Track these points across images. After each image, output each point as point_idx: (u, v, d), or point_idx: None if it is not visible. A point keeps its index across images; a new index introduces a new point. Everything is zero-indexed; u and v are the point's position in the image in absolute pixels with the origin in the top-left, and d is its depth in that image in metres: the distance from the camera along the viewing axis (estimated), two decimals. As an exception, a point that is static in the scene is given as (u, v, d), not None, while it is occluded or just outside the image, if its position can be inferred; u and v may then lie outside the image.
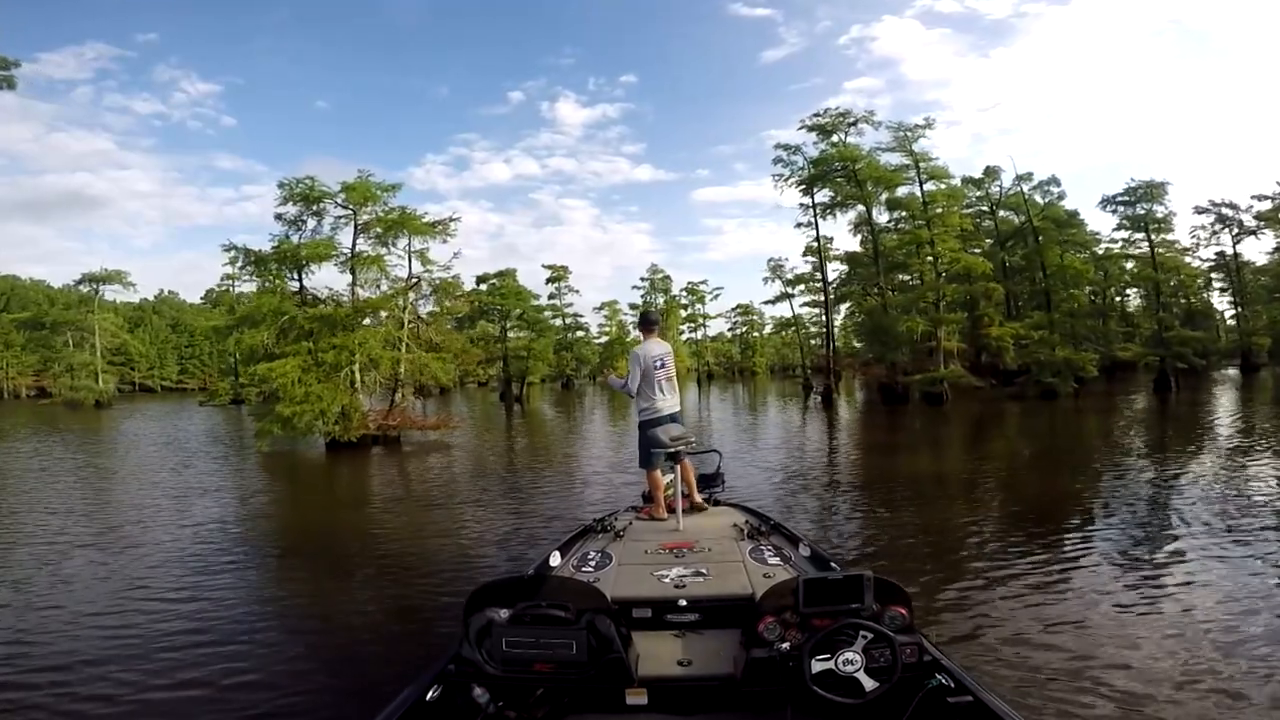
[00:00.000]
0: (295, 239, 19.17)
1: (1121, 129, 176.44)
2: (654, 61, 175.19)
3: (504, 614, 2.78)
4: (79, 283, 49.96)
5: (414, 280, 20.09)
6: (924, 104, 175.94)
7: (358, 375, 18.04)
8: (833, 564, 3.87)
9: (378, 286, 19.78)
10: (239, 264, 19.24)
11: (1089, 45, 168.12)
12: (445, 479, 13.14)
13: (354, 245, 19.20)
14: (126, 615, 5.63)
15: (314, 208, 19.11)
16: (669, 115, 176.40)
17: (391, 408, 18.98)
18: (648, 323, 5.71)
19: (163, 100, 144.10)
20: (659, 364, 5.44)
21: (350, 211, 19.28)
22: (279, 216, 19.29)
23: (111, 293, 54.85)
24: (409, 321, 20.03)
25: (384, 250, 19.76)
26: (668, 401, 5.45)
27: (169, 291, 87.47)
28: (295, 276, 19.23)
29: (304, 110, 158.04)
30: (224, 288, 45.44)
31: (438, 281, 20.64)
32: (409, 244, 20.23)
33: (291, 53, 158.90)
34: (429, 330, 20.64)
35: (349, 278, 19.19)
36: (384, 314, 20.06)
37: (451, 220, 20.81)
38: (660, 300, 66.57)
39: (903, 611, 2.80)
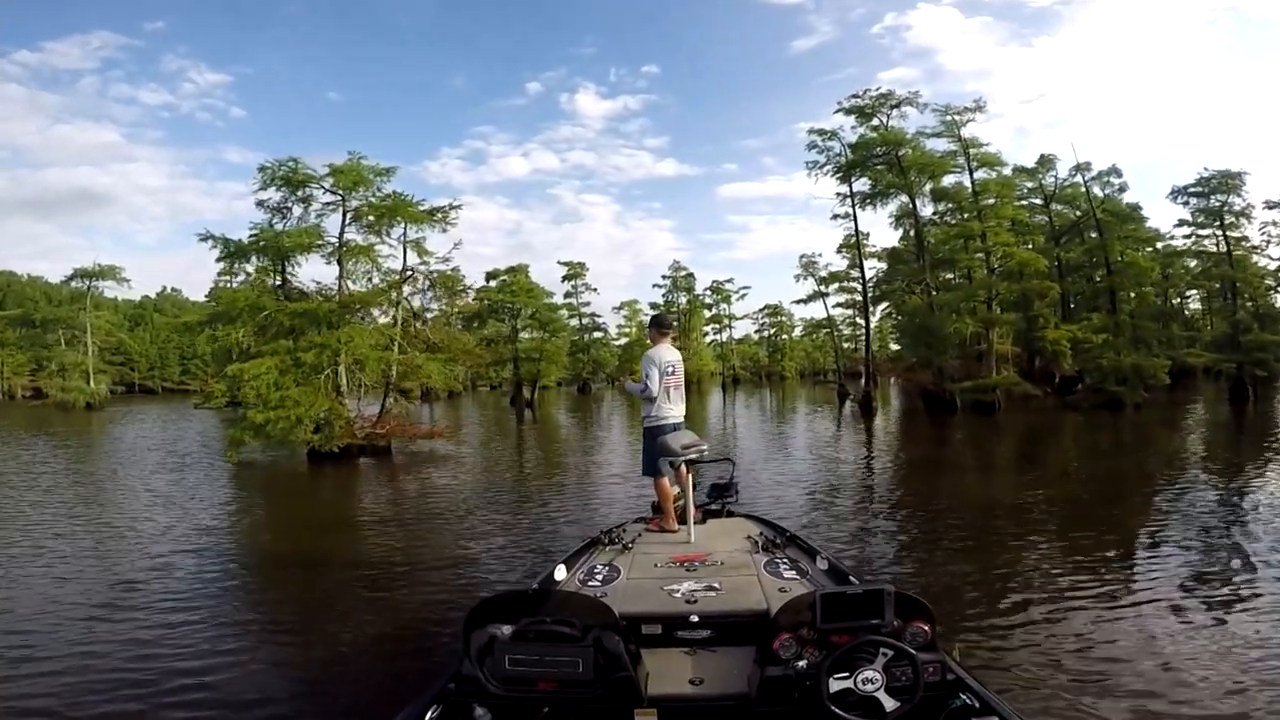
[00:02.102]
0: (281, 227, 18.16)
1: (1174, 123, 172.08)
2: (678, 51, 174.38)
3: (506, 630, 2.74)
4: (70, 279, 49.80)
5: (408, 273, 18.86)
6: (963, 96, 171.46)
7: (343, 377, 16.84)
8: (852, 578, 3.81)
9: (369, 280, 18.64)
10: (217, 256, 18.11)
11: (1137, 34, 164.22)
12: (435, 495, 12.11)
13: (342, 234, 18.05)
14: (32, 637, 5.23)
15: (299, 193, 18.00)
16: (693, 107, 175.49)
17: (382, 414, 17.79)
18: (661, 325, 5.72)
19: (171, 91, 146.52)
20: (670, 370, 5.43)
21: (339, 197, 18.13)
22: (261, 203, 18.23)
23: (112, 290, 54.81)
24: (403, 318, 18.81)
25: (376, 240, 18.57)
26: (674, 410, 5.46)
27: (172, 289, 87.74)
28: (279, 268, 18.19)
29: (315, 102, 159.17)
30: (223, 284, 45.04)
31: (435, 275, 19.39)
32: (404, 233, 19.01)
33: (303, 42, 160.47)
34: (426, 329, 19.43)
35: (336, 270, 18.06)
36: (376, 311, 18.91)
37: (452, 207, 19.55)
38: (683, 299, 65.29)
39: (925, 628, 2.76)
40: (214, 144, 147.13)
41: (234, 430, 15.56)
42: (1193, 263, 43.30)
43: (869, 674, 2.56)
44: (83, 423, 33.20)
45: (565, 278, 55.96)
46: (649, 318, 6.30)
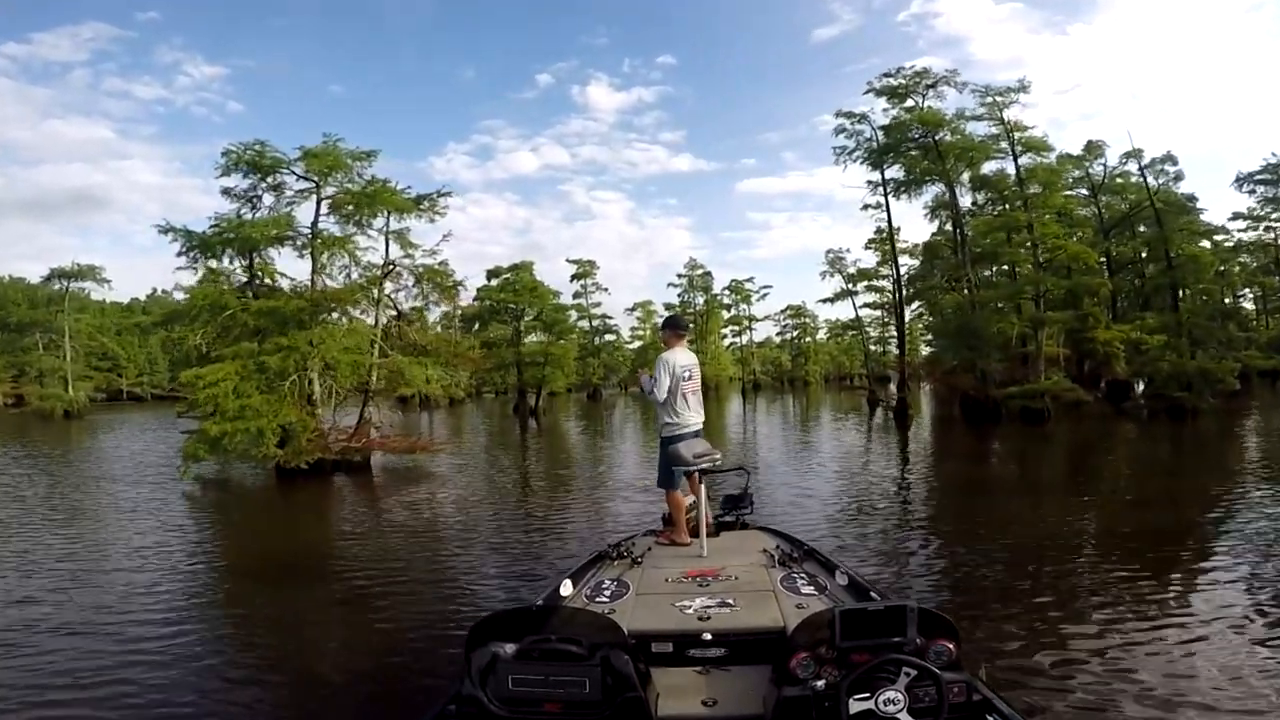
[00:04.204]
0: (250, 217, 16.97)
1: (1216, 115, 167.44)
2: (694, 41, 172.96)
3: (510, 649, 2.71)
4: (48, 279, 49.16)
5: (390, 267, 17.55)
6: (995, 85, 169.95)
7: (315, 384, 15.54)
8: (873, 594, 3.72)
9: (348, 275, 17.37)
10: (178, 250, 16.90)
11: (1175, 21, 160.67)
12: (410, 516, 11.31)
13: (315, 223, 16.78)
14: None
15: (268, 180, 16.79)
16: (710, 100, 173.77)
17: (359, 425, 16.49)
18: (676, 327, 5.72)
19: (165, 85, 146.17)
20: (687, 375, 5.36)
21: (313, 184, 16.89)
22: (227, 191, 17.05)
23: (97, 292, 54.20)
24: (384, 319, 17.52)
25: (355, 231, 17.31)
26: (694, 417, 5.38)
27: (162, 290, 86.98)
28: (247, 263, 16.97)
29: (317, 96, 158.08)
30: (205, 282, 44.02)
31: (421, 269, 18.06)
32: (387, 224, 17.74)
33: (304, 34, 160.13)
34: (410, 330, 18.12)
35: (310, 264, 16.80)
36: (356, 310, 17.62)
37: (440, 195, 18.31)
38: (700, 300, 63.81)
39: (950, 646, 2.72)
40: (211, 140, 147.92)
41: (189, 444, 14.30)
42: (1247, 258, 41.75)
43: (891, 694, 2.50)
44: (57, 432, 32.44)
45: (574, 277, 54.78)
46: (662, 319, 6.26)
